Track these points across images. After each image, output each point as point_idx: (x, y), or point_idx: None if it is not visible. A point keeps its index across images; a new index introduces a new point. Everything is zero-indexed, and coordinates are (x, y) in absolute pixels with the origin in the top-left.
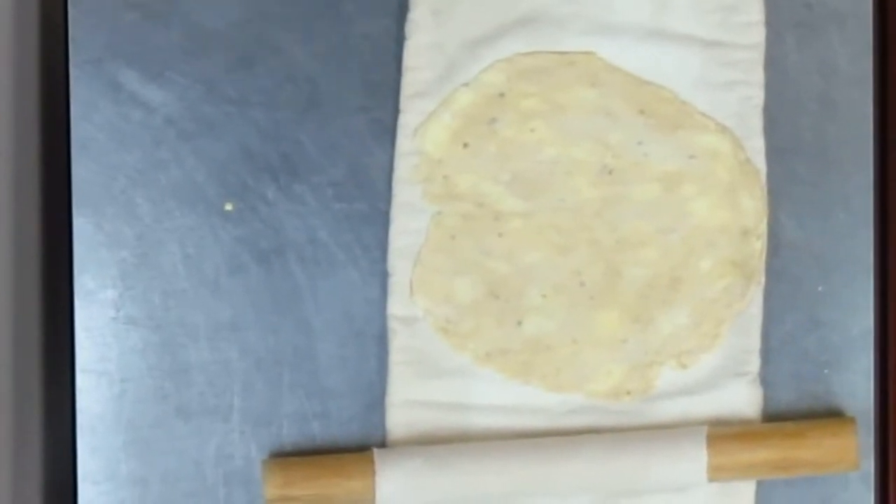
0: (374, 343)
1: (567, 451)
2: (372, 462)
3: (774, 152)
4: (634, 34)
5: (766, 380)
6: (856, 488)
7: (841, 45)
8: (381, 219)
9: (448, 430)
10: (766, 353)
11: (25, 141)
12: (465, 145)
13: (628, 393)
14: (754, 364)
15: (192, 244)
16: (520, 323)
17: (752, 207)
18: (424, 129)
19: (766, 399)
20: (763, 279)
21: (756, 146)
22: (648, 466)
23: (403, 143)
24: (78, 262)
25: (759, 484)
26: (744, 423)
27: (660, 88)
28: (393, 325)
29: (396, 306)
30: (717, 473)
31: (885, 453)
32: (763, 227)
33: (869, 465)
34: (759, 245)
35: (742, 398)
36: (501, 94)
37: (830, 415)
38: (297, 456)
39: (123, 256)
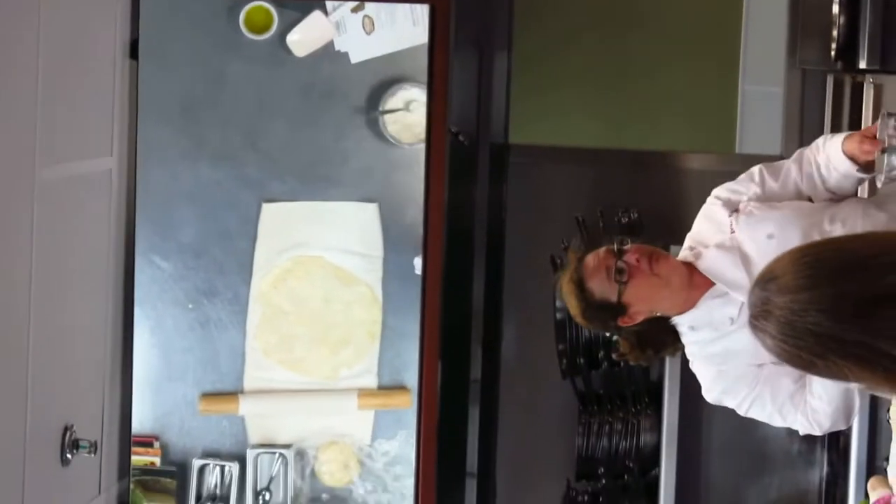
0: (239, 355)
1: (306, 396)
2: (238, 398)
3: (385, 296)
4: (338, 250)
5: (379, 373)
6: (411, 413)
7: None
8: (244, 311)
9: (263, 389)
10: (380, 363)
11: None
12: (275, 287)
13: (330, 378)
14: (374, 367)
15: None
16: (291, 351)
17: (377, 312)
18: (260, 280)
19: (379, 379)
20: (380, 339)
21: (378, 290)
22: (336, 402)
23: (253, 284)
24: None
25: (376, 411)
26: (369, 389)
27: (344, 269)
28: (248, 349)
29: (248, 341)
30: (362, 406)
31: (420, 399)
32: (380, 319)
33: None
34: (378, 328)
35: (370, 380)
36: (289, 270)
37: (401, 387)
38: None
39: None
